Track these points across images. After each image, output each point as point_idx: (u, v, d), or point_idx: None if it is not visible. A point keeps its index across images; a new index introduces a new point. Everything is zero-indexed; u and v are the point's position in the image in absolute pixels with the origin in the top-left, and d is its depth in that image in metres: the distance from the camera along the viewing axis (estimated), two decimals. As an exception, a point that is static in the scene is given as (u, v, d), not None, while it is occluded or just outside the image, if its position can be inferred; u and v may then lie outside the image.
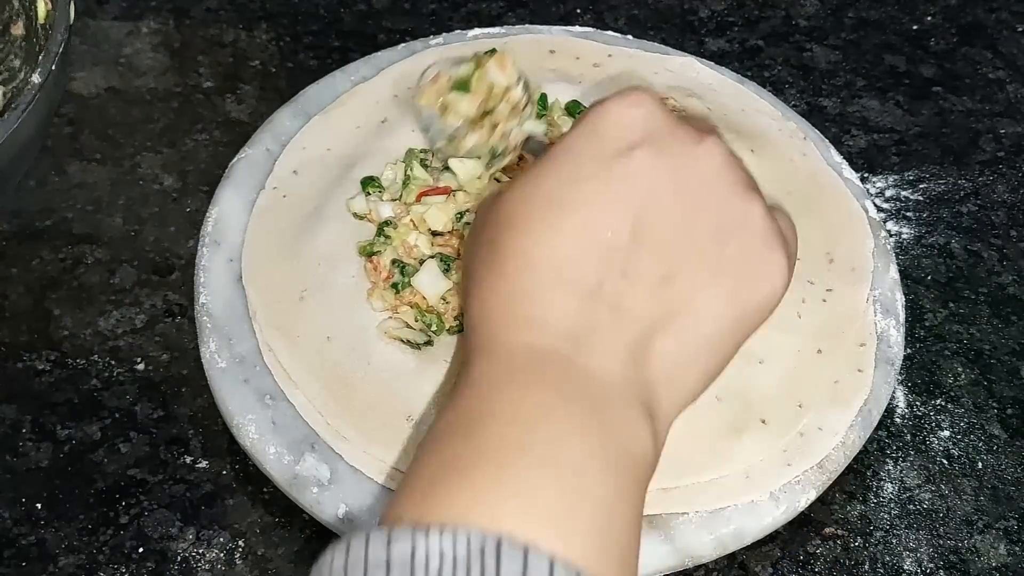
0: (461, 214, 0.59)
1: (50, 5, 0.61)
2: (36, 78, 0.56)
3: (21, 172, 0.62)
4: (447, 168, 0.61)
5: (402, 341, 0.56)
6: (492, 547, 0.31)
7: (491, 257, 0.43)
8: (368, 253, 0.59)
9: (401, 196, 0.61)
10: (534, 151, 0.57)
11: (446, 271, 0.58)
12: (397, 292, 0.57)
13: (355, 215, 0.61)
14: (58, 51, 0.57)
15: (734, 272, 0.42)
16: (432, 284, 0.57)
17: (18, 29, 0.64)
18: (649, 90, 0.45)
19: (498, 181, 0.60)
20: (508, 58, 0.58)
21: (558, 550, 0.32)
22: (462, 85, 0.58)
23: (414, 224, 0.59)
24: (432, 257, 0.58)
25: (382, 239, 0.59)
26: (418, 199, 0.60)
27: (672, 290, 0.41)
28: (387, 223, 0.59)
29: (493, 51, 0.58)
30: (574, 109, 0.65)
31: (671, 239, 0.42)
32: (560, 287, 0.41)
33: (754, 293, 0.42)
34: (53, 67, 0.57)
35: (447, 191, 0.60)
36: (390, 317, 0.57)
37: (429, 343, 0.56)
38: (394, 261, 0.58)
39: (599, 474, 0.36)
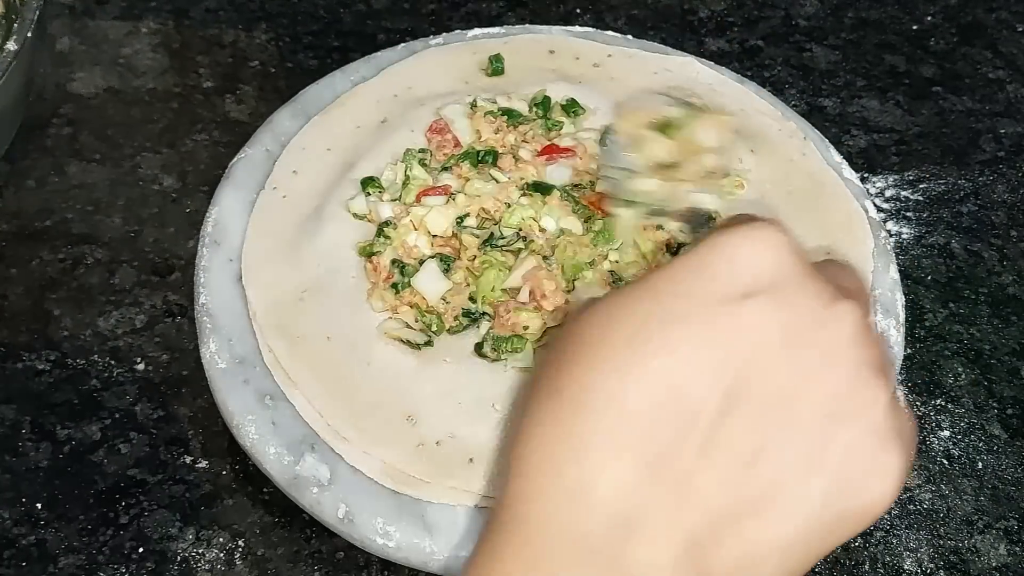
0: (461, 218, 0.59)
1: None
2: (12, 46, 0.57)
3: (2, 147, 0.62)
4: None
5: (402, 341, 0.56)
6: None
7: (549, 389, 0.37)
8: (368, 253, 0.59)
9: (401, 196, 0.61)
10: (694, 226, 0.54)
11: (446, 271, 0.58)
12: (397, 292, 0.57)
13: (355, 215, 0.61)
14: (32, 19, 0.58)
15: (837, 468, 0.35)
16: (432, 284, 0.57)
17: None
18: (785, 229, 0.37)
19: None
20: (728, 124, 0.55)
21: None
22: (666, 128, 0.55)
23: (414, 225, 0.59)
24: (432, 257, 0.58)
25: (382, 239, 0.59)
26: (418, 199, 0.60)
27: (757, 474, 0.35)
28: (387, 223, 0.59)
29: (712, 111, 0.56)
30: (570, 108, 0.66)
31: (770, 411, 0.35)
32: (619, 448, 0.35)
33: (855, 498, 0.36)
34: (28, 35, 0.57)
35: (447, 191, 0.60)
36: (390, 317, 0.57)
37: (429, 343, 0.56)
38: (394, 261, 0.58)
39: None
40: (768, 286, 0.36)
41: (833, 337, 0.36)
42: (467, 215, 0.59)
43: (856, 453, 0.36)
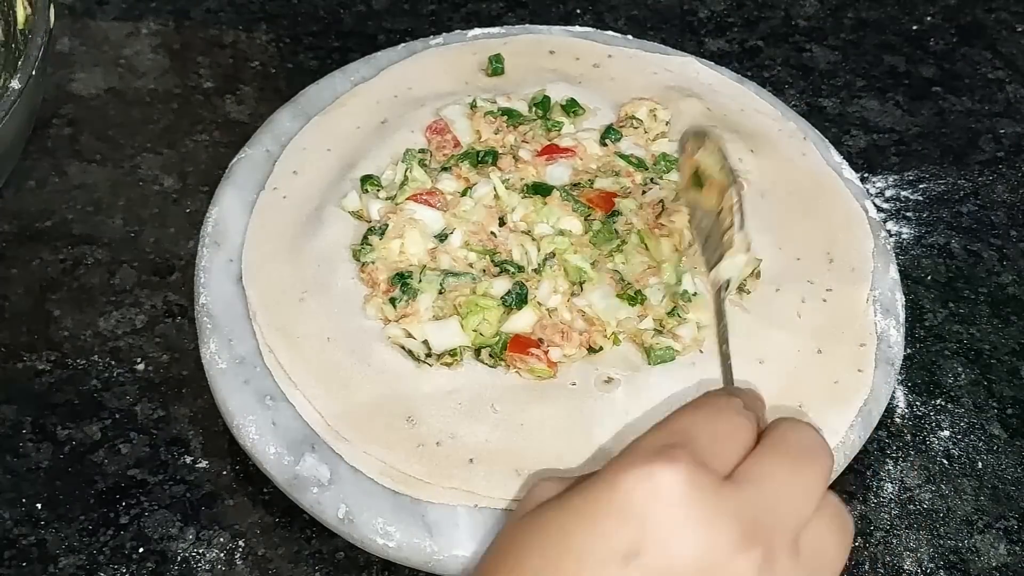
0: (444, 236, 0.59)
1: (29, 9, 0.60)
2: (15, 84, 0.54)
3: (2, 179, 0.61)
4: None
5: (403, 349, 0.55)
6: None
7: None
8: (358, 259, 0.59)
9: (395, 196, 0.61)
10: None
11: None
12: (395, 308, 0.57)
13: (351, 214, 0.61)
14: (38, 55, 0.56)
15: None
16: (444, 338, 0.56)
17: None
18: (692, 453, 0.36)
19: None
20: (713, 146, 0.53)
21: None
22: (696, 180, 0.53)
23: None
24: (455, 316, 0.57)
25: (367, 247, 0.59)
26: (411, 198, 0.60)
27: None
28: (371, 230, 0.59)
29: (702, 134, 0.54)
30: (570, 108, 0.65)
31: None
32: None
33: None
34: (33, 72, 0.55)
35: (432, 204, 0.60)
36: (395, 322, 0.57)
37: (429, 357, 0.56)
38: (394, 276, 0.57)
39: None
40: (658, 540, 0.34)
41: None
42: (451, 232, 0.59)
43: None
